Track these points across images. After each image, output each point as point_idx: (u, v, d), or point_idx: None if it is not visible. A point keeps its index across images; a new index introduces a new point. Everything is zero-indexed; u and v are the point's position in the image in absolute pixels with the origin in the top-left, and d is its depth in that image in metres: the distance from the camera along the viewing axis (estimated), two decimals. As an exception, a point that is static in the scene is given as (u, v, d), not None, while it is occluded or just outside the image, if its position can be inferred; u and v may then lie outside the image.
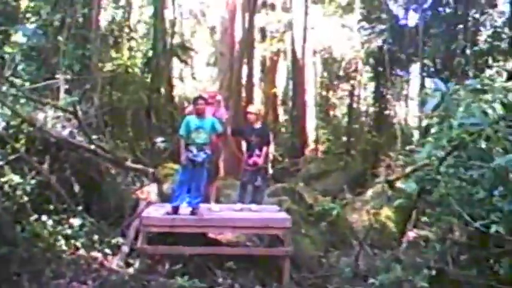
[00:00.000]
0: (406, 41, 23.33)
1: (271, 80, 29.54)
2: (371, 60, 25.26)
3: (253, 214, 10.22)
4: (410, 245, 10.90)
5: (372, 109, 28.08)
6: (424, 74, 22.78)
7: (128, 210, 11.28)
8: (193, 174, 9.65)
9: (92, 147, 11.12)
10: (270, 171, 11.23)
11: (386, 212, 13.51)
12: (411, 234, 12.85)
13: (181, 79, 21.96)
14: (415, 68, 26.60)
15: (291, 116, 26.00)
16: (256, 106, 11.33)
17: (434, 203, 9.65)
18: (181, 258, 9.73)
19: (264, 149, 10.68)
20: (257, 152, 10.65)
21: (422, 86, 23.59)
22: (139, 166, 12.31)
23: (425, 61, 21.59)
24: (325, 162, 19.04)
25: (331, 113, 31.48)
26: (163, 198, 11.81)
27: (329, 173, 18.52)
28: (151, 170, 12.22)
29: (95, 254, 9.74)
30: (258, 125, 10.88)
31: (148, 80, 17.19)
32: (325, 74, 30.23)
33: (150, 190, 12.37)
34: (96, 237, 10.06)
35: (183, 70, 21.79)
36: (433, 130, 11.94)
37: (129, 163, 11.97)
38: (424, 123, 24.57)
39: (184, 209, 9.82)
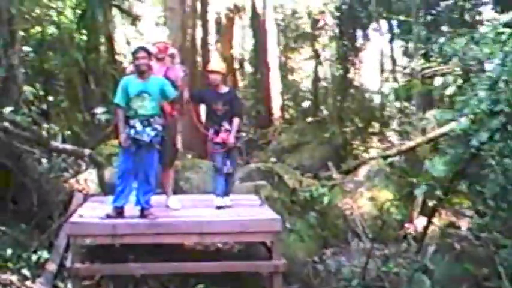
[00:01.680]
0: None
1: (228, 41, 26.38)
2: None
3: (228, 213, 7.45)
4: (439, 246, 8.30)
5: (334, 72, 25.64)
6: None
7: (57, 208, 8.40)
8: (139, 160, 6.87)
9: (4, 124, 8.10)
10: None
11: (385, 194, 10.96)
12: (419, 222, 10.37)
13: (126, 39, 18.60)
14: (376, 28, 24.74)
15: (254, 81, 23.17)
16: (220, 63, 8.37)
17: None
18: (130, 280, 6.94)
19: (235, 120, 7.88)
20: (226, 125, 7.83)
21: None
22: (69, 146, 9.31)
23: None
24: (298, 133, 16.26)
25: (289, 77, 28.80)
26: (106, 188, 8.92)
27: (304, 146, 15.78)
28: (86, 150, 9.26)
29: (7, 276, 6.89)
30: (224, 89, 8.07)
31: (84, 37, 14.02)
32: (288, 34, 27.37)
33: (88, 178, 9.46)
34: (9, 251, 7.19)
35: (127, 26, 18.44)
36: (449, 91, 9.50)
37: (55, 143, 8.96)
38: (386, 87, 22.99)
39: (131, 210, 6.99)
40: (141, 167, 6.86)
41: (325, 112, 24.79)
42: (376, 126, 22.53)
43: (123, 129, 6.79)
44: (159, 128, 6.87)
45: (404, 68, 15.27)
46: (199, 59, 18.87)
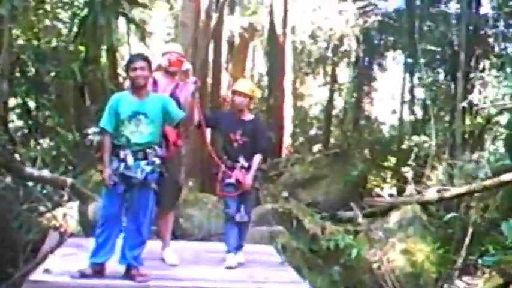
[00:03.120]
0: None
1: (240, 62, 24.90)
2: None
3: (241, 277, 5.73)
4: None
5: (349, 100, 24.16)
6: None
7: (24, 250, 6.72)
8: (128, 203, 5.21)
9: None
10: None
11: (421, 247, 9.28)
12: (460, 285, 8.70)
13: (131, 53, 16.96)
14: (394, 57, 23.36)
15: (267, 107, 21.61)
16: (249, 84, 6.63)
17: None
18: None
19: (256, 158, 6.19)
20: (242, 161, 6.16)
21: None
22: (47, 174, 7.64)
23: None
24: (313, 166, 14.63)
25: (298, 103, 27.27)
26: (88, 226, 7.28)
27: (319, 180, 14.16)
28: (69, 179, 7.59)
29: None
30: (248, 116, 6.37)
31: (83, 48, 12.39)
32: (303, 57, 25.82)
33: (69, 213, 7.79)
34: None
35: (133, 37, 16.76)
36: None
37: (30, 169, 7.29)
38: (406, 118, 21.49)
39: (114, 266, 5.31)
40: (130, 213, 5.20)
41: (332, 141, 23.39)
42: (392, 160, 21.04)
43: (108, 163, 5.14)
44: (157, 161, 5.24)
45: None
46: (209, 80, 17.53)
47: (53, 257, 5.97)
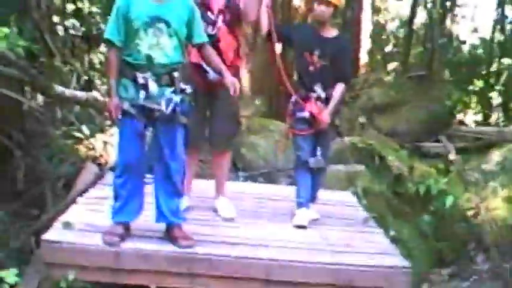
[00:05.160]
0: None
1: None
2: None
3: (314, 242, 4.41)
4: None
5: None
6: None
7: (53, 188, 5.61)
8: (153, 144, 3.90)
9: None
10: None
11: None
12: None
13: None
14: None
15: (343, 20, 19.69)
16: None
17: None
18: None
19: (339, 87, 4.72)
20: (319, 90, 4.70)
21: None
22: (83, 93, 6.36)
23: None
24: (394, 88, 12.95)
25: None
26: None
27: (399, 105, 12.51)
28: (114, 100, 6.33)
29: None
30: (331, 33, 4.82)
31: None
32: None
33: (112, 140, 6.58)
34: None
35: None
36: None
37: (61, 88, 6.02)
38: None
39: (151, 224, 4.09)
40: (156, 156, 3.91)
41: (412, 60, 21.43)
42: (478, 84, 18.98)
43: (115, 88, 3.79)
44: (187, 88, 3.88)
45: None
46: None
47: (83, 200, 4.85)
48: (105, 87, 7.40)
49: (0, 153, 5.54)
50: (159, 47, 3.71)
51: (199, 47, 3.99)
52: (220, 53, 4.31)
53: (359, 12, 17.34)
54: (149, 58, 3.71)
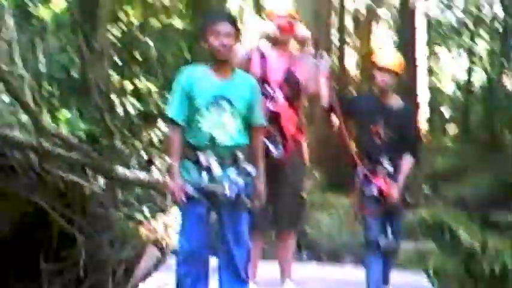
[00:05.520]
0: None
1: (366, 37, 22.88)
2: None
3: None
4: None
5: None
6: None
7: (116, 275, 5.50)
8: (221, 227, 3.70)
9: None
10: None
11: None
12: None
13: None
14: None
15: (397, 86, 19.46)
16: (399, 58, 4.87)
17: None
18: None
19: (406, 161, 4.46)
20: (386, 163, 4.47)
21: None
22: (145, 176, 6.32)
23: None
24: (457, 154, 12.58)
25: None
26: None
27: (464, 172, 12.11)
28: (177, 181, 6.25)
29: None
30: (395, 101, 4.60)
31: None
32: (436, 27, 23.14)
33: (173, 223, 6.47)
34: None
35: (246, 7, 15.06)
36: None
37: (123, 170, 6.01)
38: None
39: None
40: (221, 242, 3.69)
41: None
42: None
43: (177, 170, 3.60)
44: (250, 169, 3.68)
45: None
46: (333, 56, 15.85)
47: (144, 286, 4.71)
48: (164, 165, 7.39)
49: (63, 239, 5.49)
50: (222, 126, 3.57)
51: (254, 130, 3.87)
52: (281, 128, 4.20)
53: (414, 78, 17.13)
54: (212, 138, 3.56)
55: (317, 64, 4.42)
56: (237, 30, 3.62)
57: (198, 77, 3.60)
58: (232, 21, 3.62)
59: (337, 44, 16.76)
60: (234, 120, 3.59)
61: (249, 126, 3.71)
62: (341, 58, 16.98)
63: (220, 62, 3.59)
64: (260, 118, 3.78)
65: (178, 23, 11.35)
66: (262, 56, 4.33)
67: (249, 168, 3.65)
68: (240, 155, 3.62)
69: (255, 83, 3.78)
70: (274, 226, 4.61)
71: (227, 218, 3.66)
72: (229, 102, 3.57)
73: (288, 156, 4.19)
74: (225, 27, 3.54)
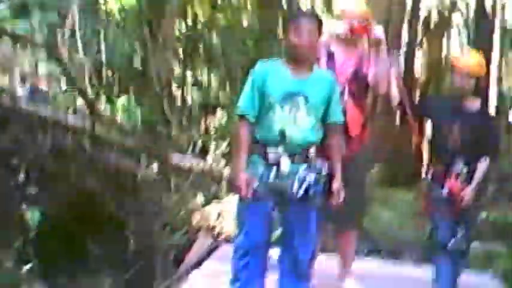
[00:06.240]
0: None
1: (437, 42, 22.10)
2: None
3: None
4: None
5: None
6: None
7: (165, 259, 5.37)
8: (285, 226, 3.54)
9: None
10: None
11: None
12: None
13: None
14: None
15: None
16: (480, 59, 4.55)
17: None
18: None
19: (482, 163, 4.13)
20: (460, 166, 4.13)
21: None
22: (198, 163, 6.14)
23: None
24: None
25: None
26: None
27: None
28: (226, 171, 6.10)
29: None
30: (472, 105, 4.28)
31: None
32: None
33: (226, 209, 6.29)
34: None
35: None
36: None
37: (178, 156, 5.86)
38: None
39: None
40: (284, 241, 3.53)
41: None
42: None
43: (243, 165, 3.42)
44: (322, 167, 3.50)
45: None
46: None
47: (197, 274, 4.55)
48: (218, 152, 7.26)
49: (114, 222, 5.40)
50: (295, 123, 3.39)
51: (331, 127, 3.64)
52: (345, 126, 3.95)
53: (486, 85, 16.49)
54: (283, 135, 3.39)
55: (390, 64, 4.23)
56: (320, 28, 3.46)
57: (272, 72, 3.47)
58: (315, 18, 3.49)
59: (407, 46, 16.35)
60: (309, 117, 3.43)
61: (324, 123, 3.53)
62: (410, 60, 16.55)
63: (299, 59, 3.44)
64: (337, 115, 3.60)
65: (245, 20, 11.28)
66: (330, 54, 4.14)
67: (320, 165, 3.46)
68: (311, 152, 3.45)
69: (333, 80, 3.61)
70: (334, 223, 4.38)
71: (294, 216, 3.49)
72: (305, 98, 3.41)
73: (352, 155, 3.96)
74: (307, 24, 3.40)
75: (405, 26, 15.44)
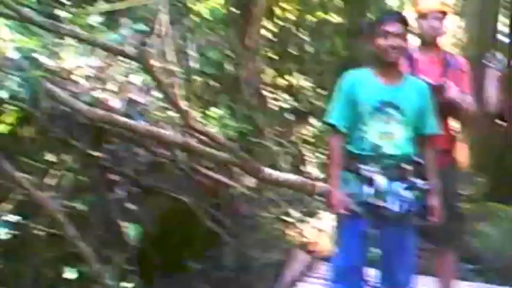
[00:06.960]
0: None
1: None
2: None
3: None
4: None
5: None
6: None
7: (263, 279, 5.25)
8: (383, 246, 3.35)
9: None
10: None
11: None
12: None
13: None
14: None
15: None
16: None
17: None
18: None
19: None
20: None
21: None
22: (293, 176, 5.95)
23: None
24: None
25: None
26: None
27: None
28: (320, 184, 5.88)
29: None
30: None
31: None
32: None
33: (323, 226, 6.09)
34: None
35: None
36: None
37: (270, 170, 5.71)
38: None
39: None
40: (381, 263, 3.34)
41: None
42: None
43: (336, 179, 3.28)
44: (421, 183, 3.26)
45: None
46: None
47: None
48: (314, 161, 7.05)
49: (209, 238, 5.32)
50: (388, 135, 3.21)
51: (426, 139, 3.39)
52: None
53: None
54: (376, 148, 3.21)
55: (485, 66, 3.97)
56: (407, 31, 3.30)
57: (362, 81, 3.32)
58: (403, 21, 3.30)
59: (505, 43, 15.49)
60: (402, 128, 3.24)
61: (419, 135, 3.34)
62: (508, 59, 15.65)
63: (387, 65, 3.29)
64: (433, 127, 3.39)
65: (333, 18, 10.99)
66: (411, 58, 3.83)
67: (419, 181, 3.24)
68: (408, 167, 3.24)
69: (427, 88, 3.40)
70: (431, 242, 4.11)
71: (392, 236, 3.31)
72: (397, 108, 3.24)
73: (439, 168, 3.60)
74: (395, 27, 3.24)
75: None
